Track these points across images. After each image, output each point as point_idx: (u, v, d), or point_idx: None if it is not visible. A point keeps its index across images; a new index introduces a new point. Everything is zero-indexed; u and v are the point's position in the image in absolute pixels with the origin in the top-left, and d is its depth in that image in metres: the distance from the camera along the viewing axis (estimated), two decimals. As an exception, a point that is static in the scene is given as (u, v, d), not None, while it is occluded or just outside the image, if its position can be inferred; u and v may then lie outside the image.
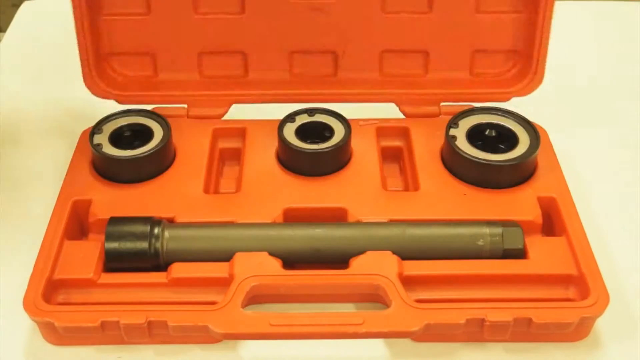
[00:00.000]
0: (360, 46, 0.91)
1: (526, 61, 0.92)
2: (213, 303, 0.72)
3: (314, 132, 0.87)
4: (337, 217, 0.81)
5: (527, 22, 0.92)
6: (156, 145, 0.84)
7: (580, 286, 0.74)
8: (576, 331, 0.72)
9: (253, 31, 0.90)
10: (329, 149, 0.84)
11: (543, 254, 0.76)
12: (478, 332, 0.71)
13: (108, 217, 0.77)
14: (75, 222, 0.80)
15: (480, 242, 0.76)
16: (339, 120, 0.87)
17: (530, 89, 0.92)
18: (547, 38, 0.92)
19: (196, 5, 0.89)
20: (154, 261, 0.75)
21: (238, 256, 0.75)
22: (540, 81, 0.91)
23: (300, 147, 0.84)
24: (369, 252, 0.75)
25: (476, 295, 0.74)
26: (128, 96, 0.91)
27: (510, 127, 0.86)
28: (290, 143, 0.84)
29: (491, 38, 0.92)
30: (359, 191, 0.82)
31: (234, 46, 0.91)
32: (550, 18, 0.92)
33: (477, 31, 0.91)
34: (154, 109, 0.90)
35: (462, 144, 0.84)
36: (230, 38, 0.91)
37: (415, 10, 0.90)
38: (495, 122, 0.87)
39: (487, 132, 0.86)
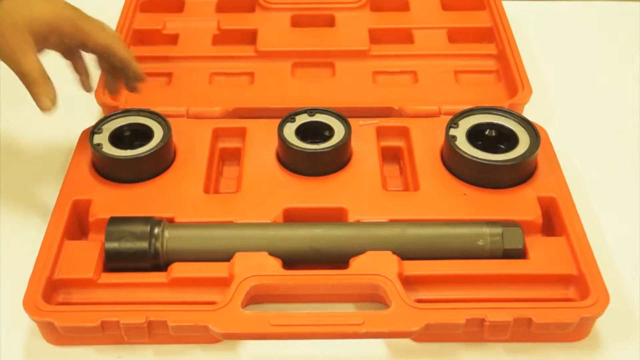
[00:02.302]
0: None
1: (511, 82, 0.97)
2: (213, 303, 0.72)
3: (314, 132, 0.87)
4: (337, 217, 0.81)
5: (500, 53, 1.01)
6: (156, 145, 0.84)
7: (580, 286, 0.74)
8: (576, 331, 0.72)
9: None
10: (329, 149, 0.83)
11: (543, 254, 0.76)
12: (478, 332, 0.71)
13: (108, 217, 0.77)
14: (75, 222, 0.80)
15: (481, 242, 0.76)
16: (339, 120, 0.87)
17: (522, 99, 0.94)
18: (520, 60, 0.99)
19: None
20: (154, 261, 0.75)
21: (238, 256, 0.75)
22: (529, 93, 0.94)
23: (300, 147, 0.84)
24: (369, 252, 0.75)
25: (476, 295, 0.74)
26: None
27: (510, 127, 0.86)
28: (290, 143, 0.84)
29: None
30: (359, 191, 0.82)
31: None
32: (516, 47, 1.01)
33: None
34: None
35: (462, 144, 0.84)
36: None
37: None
38: (495, 122, 0.86)
39: (487, 132, 0.86)
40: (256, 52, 1.02)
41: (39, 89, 0.77)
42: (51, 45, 0.82)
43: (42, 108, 0.78)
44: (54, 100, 0.78)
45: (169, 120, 0.87)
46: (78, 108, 0.99)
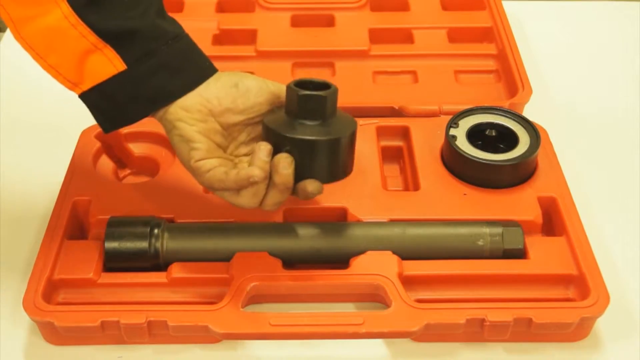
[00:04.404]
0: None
1: (511, 81, 0.97)
2: (213, 303, 0.72)
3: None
4: (337, 217, 0.81)
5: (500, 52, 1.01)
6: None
7: (580, 286, 0.74)
8: (576, 331, 0.72)
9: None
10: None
11: (543, 254, 0.76)
12: (478, 332, 0.71)
13: (108, 217, 0.77)
14: (75, 222, 0.80)
15: (481, 242, 0.76)
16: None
17: (522, 99, 0.94)
18: (520, 59, 0.99)
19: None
20: (153, 261, 0.75)
21: (238, 256, 0.75)
22: (529, 93, 0.94)
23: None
24: (369, 252, 0.75)
25: (476, 295, 0.74)
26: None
27: (510, 126, 0.86)
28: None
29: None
30: (359, 191, 0.82)
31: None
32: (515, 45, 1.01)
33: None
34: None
35: (462, 144, 0.84)
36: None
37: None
38: (495, 121, 0.86)
39: (487, 132, 0.86)
40: (256, 52, 1.02)
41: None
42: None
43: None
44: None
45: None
46: (78, 108, 0.99)
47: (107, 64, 0.67)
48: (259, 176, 0.67)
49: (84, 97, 0.70)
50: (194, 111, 0.69)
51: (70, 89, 0.69)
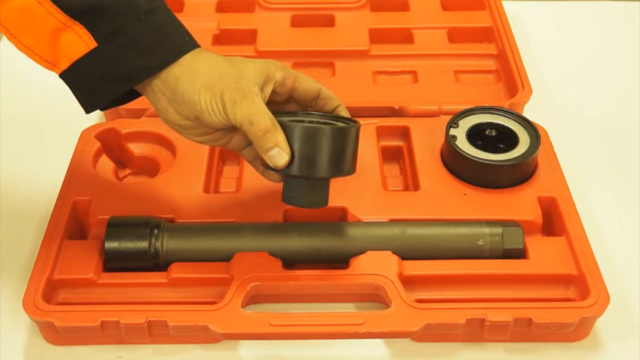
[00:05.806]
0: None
1: (511, 81, 0.97)
2: (213, 303, 0.72)
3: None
4: (337, 217, 0.81)
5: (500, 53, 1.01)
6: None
7: (580, 286, 0.74)
8: (576, 331, 0.72)
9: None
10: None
11: (543, 254, 0.76)
12: (478, 332, 0.71)
13: (108, 217, 0.77)
14: (75, 222, 0.80)
15: (480, 242, 0.76)
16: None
17: (522, 99, 0.94)
18: (520, 59, 0.99)
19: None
20: (153, 261, 0.75)
21: (238, 256, 0.75)
22: (529, 93, 0.94)
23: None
24: (369, 252, 0.75)
25: (476, 295, 0.74)
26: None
27: (511, 126, 0.86)
28: (290, 143, 0.84)
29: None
30: (359, 191, 0.82)
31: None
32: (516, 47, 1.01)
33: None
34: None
35: (462, 144, 0.84)
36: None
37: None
38: (495, 121, 0.86)
39: (487, 132, 0.86)
40: (256, 52, 1.02)
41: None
42: None
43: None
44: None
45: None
46: (78, 108, 0.99)
47: (79, 41, 0.66)
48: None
49: (64, 77, 0.68)
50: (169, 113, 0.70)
51: (49, 69, 0.68)
